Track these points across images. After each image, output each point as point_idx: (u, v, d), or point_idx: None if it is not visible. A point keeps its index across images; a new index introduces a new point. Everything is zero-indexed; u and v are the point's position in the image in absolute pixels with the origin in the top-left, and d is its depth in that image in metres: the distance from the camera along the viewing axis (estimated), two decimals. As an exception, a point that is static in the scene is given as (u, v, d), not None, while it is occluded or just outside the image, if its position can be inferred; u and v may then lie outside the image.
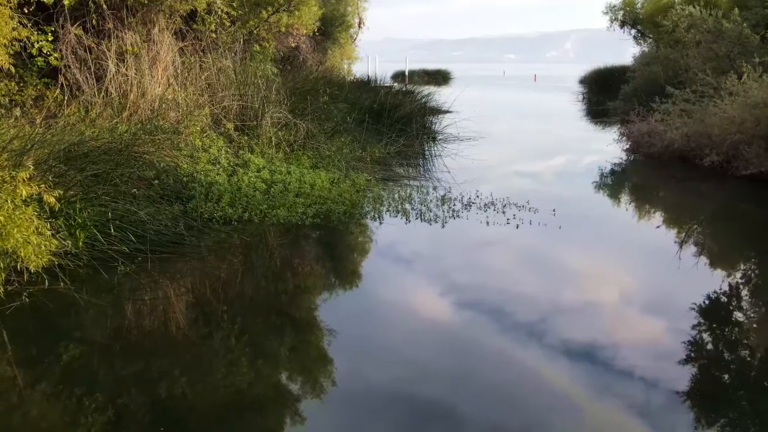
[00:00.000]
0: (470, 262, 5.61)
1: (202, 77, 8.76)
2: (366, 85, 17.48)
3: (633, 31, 25.10)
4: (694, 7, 12.90)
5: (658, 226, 7.07)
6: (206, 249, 5.67)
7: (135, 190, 6.49)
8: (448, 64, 54.02)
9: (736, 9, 12.72)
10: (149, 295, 4.78)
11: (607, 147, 12.33)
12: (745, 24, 11.96)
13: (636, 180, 9.96)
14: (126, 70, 7.99)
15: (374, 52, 33.03)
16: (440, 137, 12.97)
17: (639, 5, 24.33)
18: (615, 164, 10.73)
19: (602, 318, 4.48)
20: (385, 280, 5.26)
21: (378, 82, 18.19)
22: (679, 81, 13.27)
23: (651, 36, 23.89)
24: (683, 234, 6.83)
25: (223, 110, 8.63)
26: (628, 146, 11.51)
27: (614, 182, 9.69)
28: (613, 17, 25.25)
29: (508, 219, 6.64)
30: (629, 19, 25.00)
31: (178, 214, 6.46)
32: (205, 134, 8.14)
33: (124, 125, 7.57)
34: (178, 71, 8.49)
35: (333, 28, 18.16)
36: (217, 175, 7.33)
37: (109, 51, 7.99)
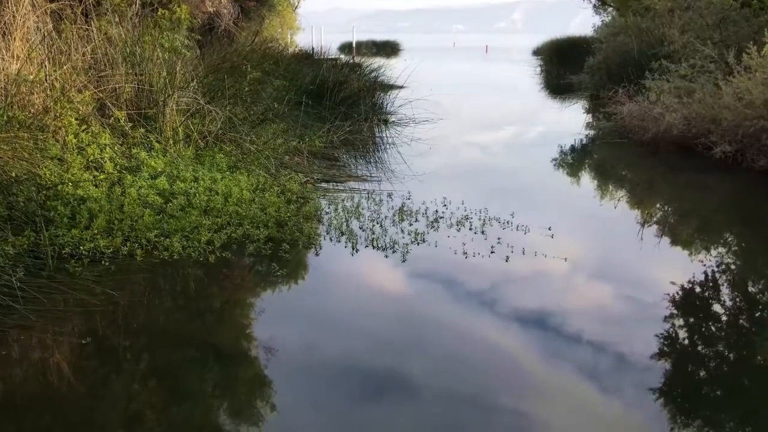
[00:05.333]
0: (448, 330, 3.85)
1: (85, 50, 6.67)
2: (309, 57, 15.45)
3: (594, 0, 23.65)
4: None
5: (673, 242, 5.43)
6: (42, 317, 3.72)
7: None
8: (396, 35, 51.86)
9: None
10: None
11: (589, 131, 10.72)
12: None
13: (638, 177, 8.21)
14: (-34, 40, 5.85)
15: (320, 23, 30.85)
16: (393, 119, 11.13)
17: (601, -29, 22.80)
18: (607, 155, 9.11)
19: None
20: (320, 372, 3.44)
21: (322, 54, 16.20)
22: (653, 53, 11.75)
23: (612, 4, 22.46)
24: (709, 249, 5.25)
25: (112, 95, 6.59)
26: (615, 131, 9.80)
27: (614, 182, 7.99)
28: (573, -16, 23.67)
29: (492, 246, 4.86)
30: (590, -14, 23.49)
31: (24, 249, 4.50)
32: (84, 128, 6.10)
33: (-40, 118, 5.48)
34: (47, 42, 6.38)
35: (268, -8, 16.00)
36: (94, 186, 5.34)
37: (-58, 15, 5.83)
